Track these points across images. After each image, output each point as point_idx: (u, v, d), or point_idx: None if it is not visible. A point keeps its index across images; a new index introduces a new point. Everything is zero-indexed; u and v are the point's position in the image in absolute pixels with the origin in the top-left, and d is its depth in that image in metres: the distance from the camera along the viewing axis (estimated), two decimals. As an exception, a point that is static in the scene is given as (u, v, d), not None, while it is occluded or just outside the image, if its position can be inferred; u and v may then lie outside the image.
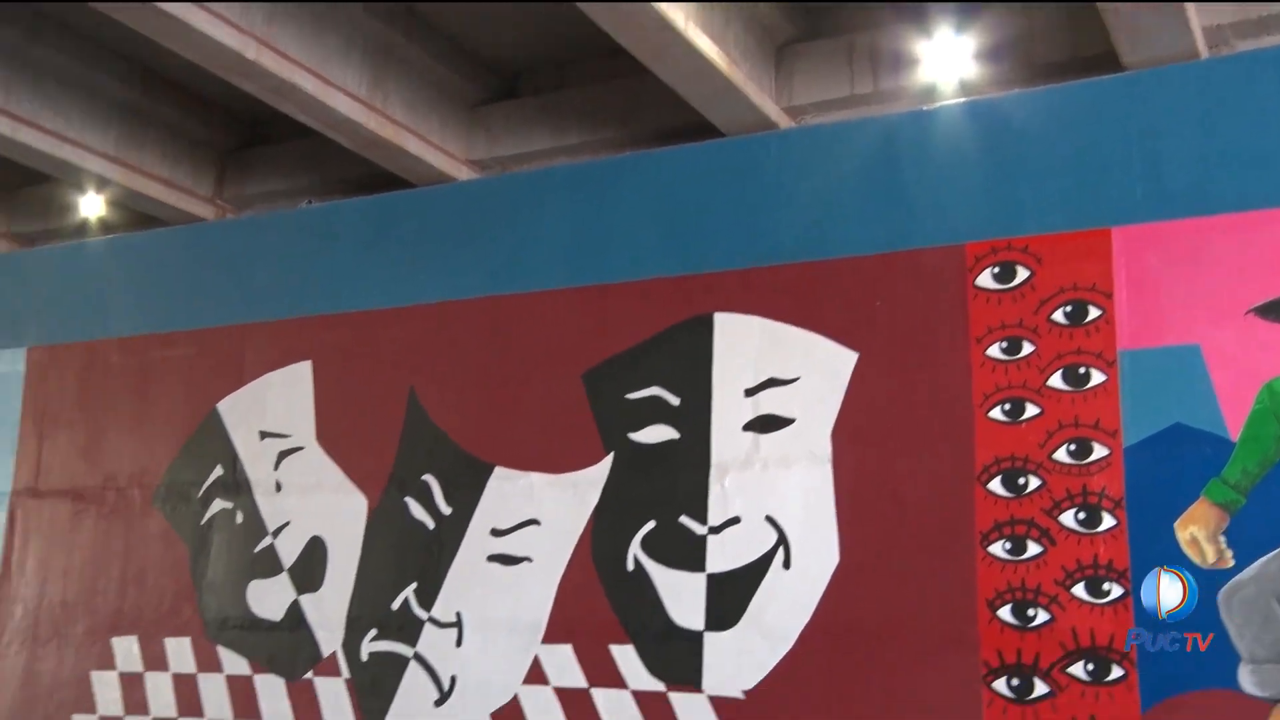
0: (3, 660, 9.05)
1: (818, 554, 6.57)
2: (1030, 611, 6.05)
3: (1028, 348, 6.33)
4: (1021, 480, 6.21)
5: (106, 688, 8.61)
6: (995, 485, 6.28)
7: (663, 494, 7.10)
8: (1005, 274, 6.46)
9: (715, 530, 6.88)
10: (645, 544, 7.08)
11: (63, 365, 9.51)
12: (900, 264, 6.79)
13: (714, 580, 6.82)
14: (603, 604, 7.12)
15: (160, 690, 8.45)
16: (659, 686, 6.85)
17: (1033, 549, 6.13)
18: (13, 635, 9.07)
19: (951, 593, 6.22)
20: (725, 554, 6.82)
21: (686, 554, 6.93)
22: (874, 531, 6.49)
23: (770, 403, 6.92)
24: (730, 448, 6.95)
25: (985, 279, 6.51)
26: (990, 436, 6.36)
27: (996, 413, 6.35)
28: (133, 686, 8.54)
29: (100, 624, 8.81)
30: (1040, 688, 5.93)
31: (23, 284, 9.98)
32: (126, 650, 8.64)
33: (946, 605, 6.22)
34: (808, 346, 6.89)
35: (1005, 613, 6.11)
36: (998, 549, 6.20)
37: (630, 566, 7.08)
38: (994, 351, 6.42)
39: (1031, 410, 6.28)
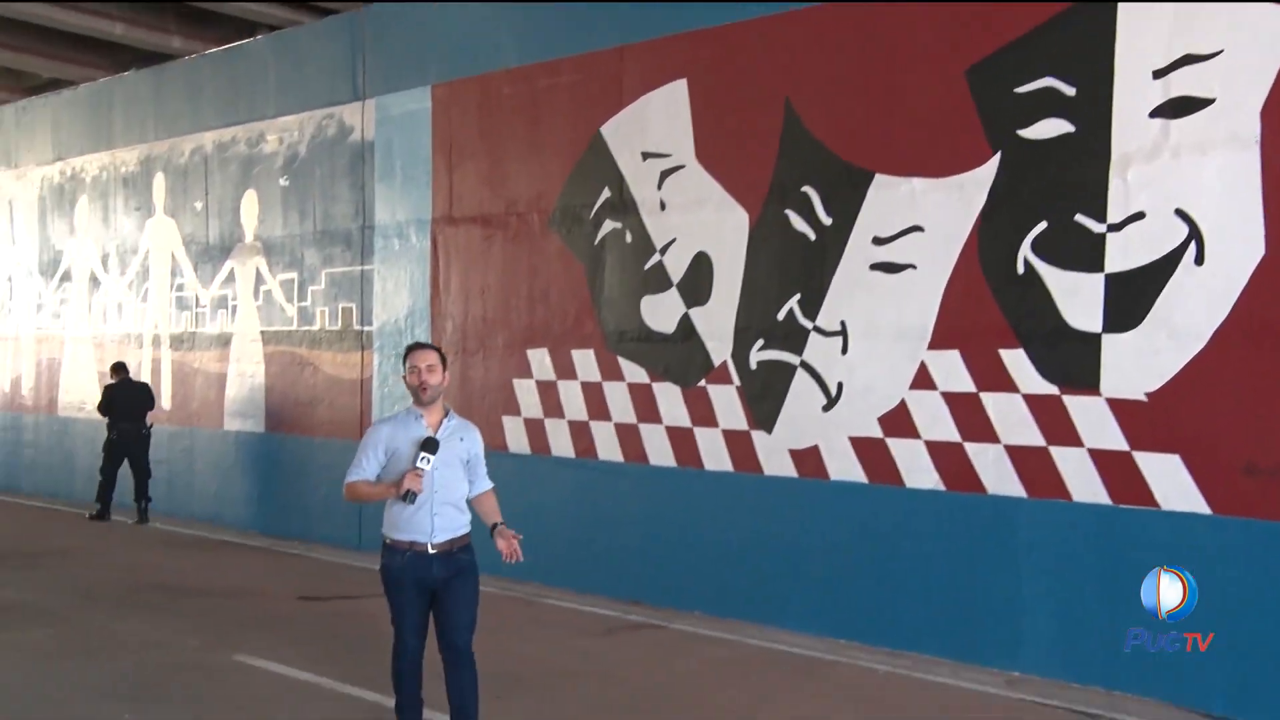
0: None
1: (1237, 247, 5.97)
2: None
3: None
4: None
5: (527, 393, 9.61)
6: None
7: (1056, 192, 6.67)
8: None
9: (1116, 227, 6.41)
10: (1036, 245, 6.74)
11: (463, 100, 10.20)
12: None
13: (1114, 280, 6.41)
14: (991, 308, 6.93)
15: (572, 396, 9.32)
16: (1052, 390, 6.66)
17: None
18: (447, 347, 10.24)
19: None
20: (1127, 252, 6.36)
21: (1083, 254, 6.53)
22: (1309, 219, 5.78)
23: (1184, 83, 6.19)
24: (1135, 137, 6.35)
25: None
26: None
27: None
28: (548, 393, 9.47)
29: (516, 338, 9.75)
30: None
31: (423, 27, 10.66)
32: (540, 361, 9.54)
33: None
34: (1234, 13, 6.04)
35: None
36: None
37: (1020, 269, 6.80)
38: None
39: None
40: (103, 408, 12.67)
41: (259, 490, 12.10)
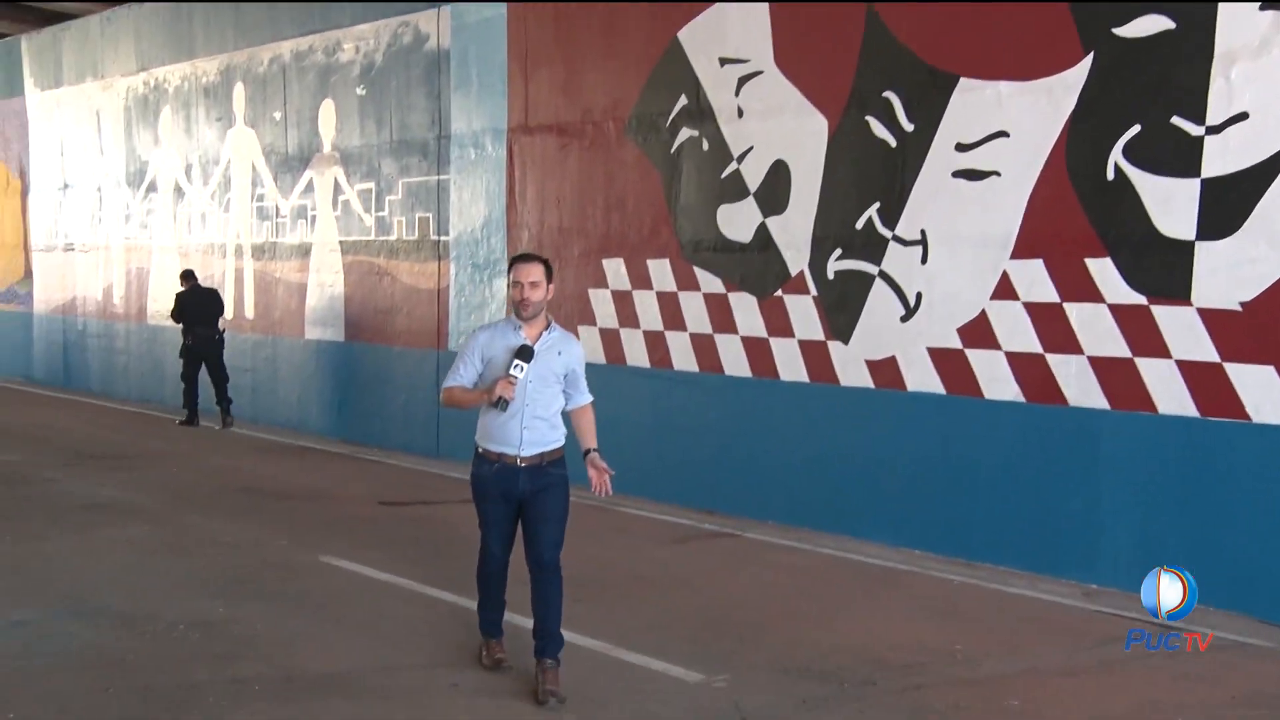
0: (516, 279, 10.33)
1: (1348, 149, 5.70)
2: None
3: None
4: None
5: (602, 304, 9.61)
6: None
7: (1151, 94, 6.40)
8: None
9: (1215, 130, 6.14)
10: (1128, 150, 6.49)
11: (539, 6, 10.05)
12: None
13: (1210, 185, 6.16)
14: (1078, 216, 6.72)
15: (647, 306, 9.30)
16: (1140, 299, 6.47)
17: None
18: (522, 257, 10.27)
19: None
20: (1226, 155, 6.10)
21: (1178, 158, 6.28)
22: None
23: (1296, -26, 5.87)
24: (1241, 32, 6.03)
25: None
26: None
27: None
28: (624, 303, 9.46)
29: (592, 247, 9.72)
30: None
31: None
32: (615, 271, 9.52)
33: None
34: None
35: None
36: None
37: (1110, 175, 6.57)
38: None
39: None
40: (174, 314, 13.06)
41: (339, 398, 12.35)
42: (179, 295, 13.11)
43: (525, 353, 4.77)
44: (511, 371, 4.72)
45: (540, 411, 4.86)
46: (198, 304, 12.99)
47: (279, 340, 13.12)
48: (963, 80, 7.27)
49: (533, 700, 4.72)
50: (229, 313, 13.67)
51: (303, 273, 12.74)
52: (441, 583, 6.53)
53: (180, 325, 13.05)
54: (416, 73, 11.24)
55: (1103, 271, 6.64)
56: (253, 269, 13.50)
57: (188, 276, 13.20)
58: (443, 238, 11.05)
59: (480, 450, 4.94)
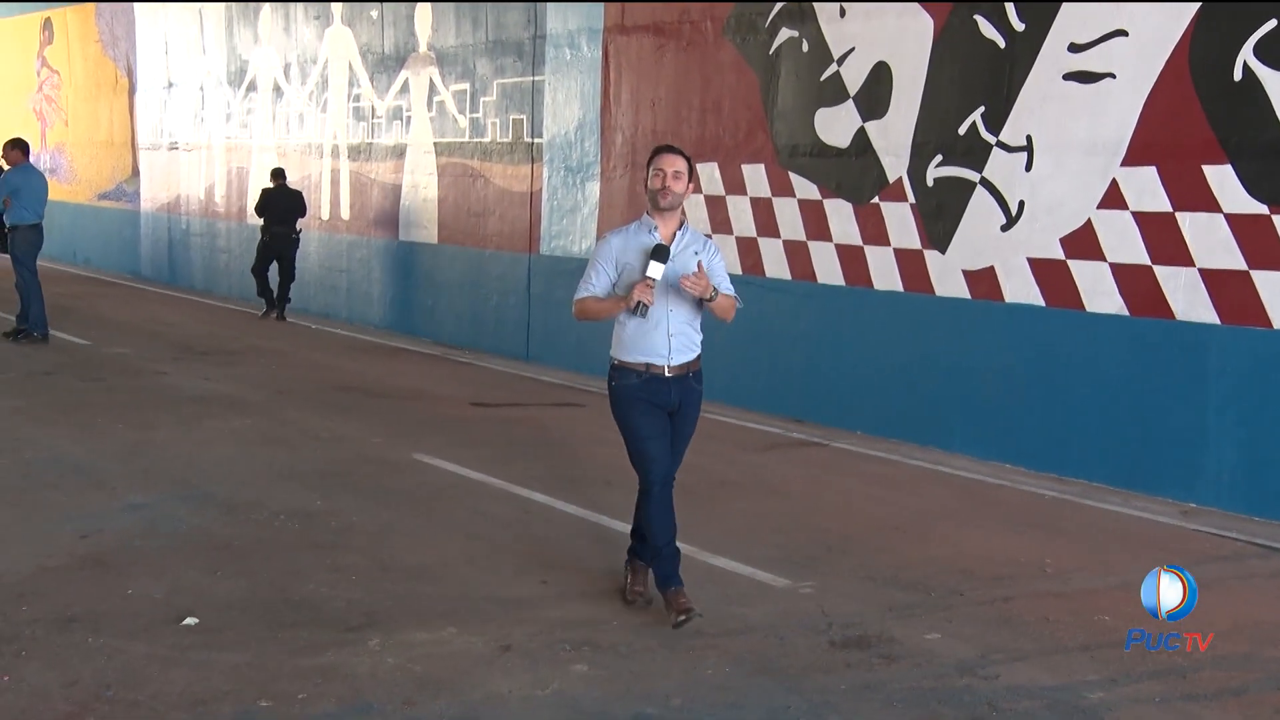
0: (611, 181, 10.27)
1: None
2: None
3: None
4: None
5: (695, 209, 9.49)
6: None
7: (1286, -11, 6.03)
8: None
9: (1353, 28, 5.77)
10: (1260, 49, 6.13)
11: (636, -100, 9.82)
12: None
13: (1345, 88, 5.82)
14: (1199, 121, 6.40)
15: (741, 212, 9.18)
16: (1261, 209, 6.17)
17: None
18: (617, 160, 10.19)
19: None
20: (1364, 56, 5.74)
21: (1311, 58, 5.92)
22: None
23: None
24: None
25: None
26: None
27: None
28: (717, 208, 9.34)
29: (686, 150, 9.55)
30: None
31: None
32: (710, 175, 9.37)
33: None
34: None
35: None
36: None
37: (1238, 76, 6.22)
38: None
39: None
40: (258, 209, 13.44)
41: (431, 300, 12.51)
42: (264, 191, 13.48)
43: (661, 252, 4.37)
44: (649, 274, 4.34)
45: (686, 316, 4.55)
46: (280, 202, 13.32)
47: (373, 241, 13.29)
48: (1080, -24, 6.93)
49: (620, 599, 4.78)
50: (325, 213, 13.88)
51: (397, 174, 12.82)
52: (532, 483, 6.64)
53: (261, 220, 13.37)
54: (512, -30, 11.09)
55: (1222, 179, 6.34)
56: (348, 170, 13.64)
57: (277, 175, 13.48)
58: (536, 140, 11.00)
59: (619, 362, 4.58)
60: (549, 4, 10.69)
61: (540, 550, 5.47)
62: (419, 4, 12.30)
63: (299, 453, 7.28)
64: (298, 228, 13.45)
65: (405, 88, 12.61)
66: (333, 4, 13.62)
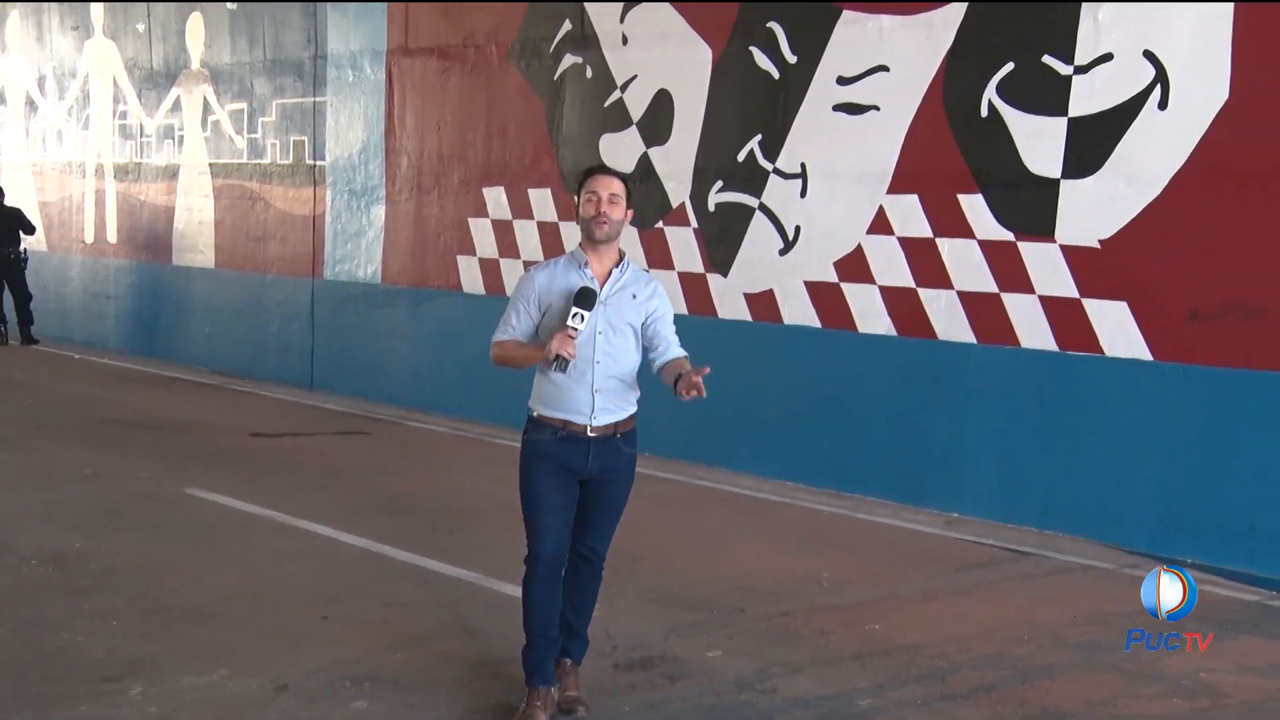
0: (397, 205, 10.09)
1: (1202, 90, 5.86)
2: None
3: None
4: None
5: (482, 233, 9.46)
6: None
7: (1025, 32, 6.50)
8: None
9: (1082, 70, 6.27)
10: (1002, 88, 6.60)
11: (417, -79, 9.74)
12: None
13: (1076, 124, 6.31)
14: (953, 153, 6.82)
15: (528, 236, 9.18)
16: (1008, 236, 6.63)
17: None
18: (403, 183, 10.03)
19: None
20: (1092, 95, 6.24)
21: (1047, 97, 6.40)
22: (1277, 62, 5.68)
23: (1162, -82, 5.99)
24: (1108, -27, 6.17)
25: None
26: None
27: None
28: (504, 232, 9.32)
29: (472, 175, 9.53)
30: None
31: None
32: (496, 199, 9.36)
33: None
34: None
35: None
36: None
37: (984, 112, 6.67)
38: None
39: None
40: None
41: (209, 327, 11.97)
42: None
43: (586, 298, 3.74)
44: (570, 323, 3.70)
45: (614, 369, 3.87)
46: None
47: (143, 265, 12.62)
48: (845, 12, 7.28)
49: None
50: (89, 236, 13.11)
51: (170, 196, 12.23)
52: (313, 514, 6.42)
53: None
54: (290, -12, 10.79)
55: (974, 207, 6.77)
56: (115, 190, 12.91)
57: None
58: (319, 162, 10.70)
59: (535, 415, 3.91)
60: (330, 24, 10.45)
61: (321, 584, 5.29)
62: (190, 18, 11.79)
63: (58, 491, 6.81)
64: (22, 247, 12.77)
65: (177, 105, 12.06)
66: (94, 15, 12.88)
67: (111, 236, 12.96)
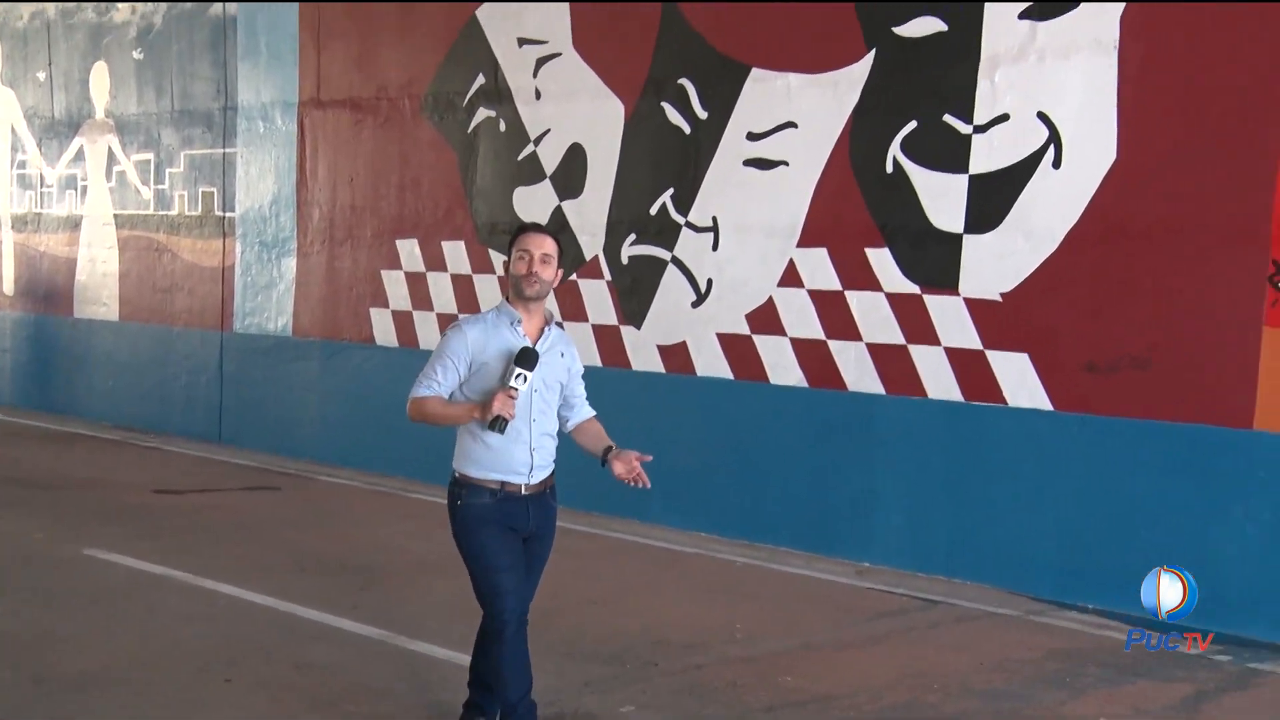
0: (309, 257, 9.98)
1: (1092, 151, 6.10)
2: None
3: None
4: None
5: (396, 285, 9.39)
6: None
7: (926, 92, 6.70)
8: None
9: (981, 129, 6.48)
10: (906, 145, 6.79)
11: (330, -26, 9.73)
12: None
13: (976, 181, 6.51)
14: (860, 207, 6.98)
15: (442, 289, 9.14)
16: (914, 289, 6.78)
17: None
18: (315, 235, 9.93)
19: (1245, 186, 5.69)
20: (990, 154, 6.45)
21: (949, 154, 6.60)
22: (1160, 126, 5.94)
23: (1053, -15, 6.26)
24: (1004, 38, 6.38)
25: None
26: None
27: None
28: (417, 285, 9.27)
29: (385, 227, 9.48)
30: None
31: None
32: (409, 252, 9.31)
33: (1237, 201, 5.72)
34: (1104, -83, 6.08)
35: (1306, 215, 5.58)
36: (1307, 147, 5.57)
37: (889, 169, 6.85)
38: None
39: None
40: None
41: (112, 380, 11.66)
42: None
43: (528, 358, 3.73)
44: (513, 383, 3.70)
45: (548, 426, 3.95)
46: None
47: (43, 318, 12.28)
48: (755, 70, 7.44)
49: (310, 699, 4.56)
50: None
51: (72, 246, 11.94)
52: (219, 573, 6.25)
53: None
54: (200, 38, 10.68)
55: (881, 261, 6.92)
56: (12, 241, 12.57)
57: None
58: (228, 214, 10.56)
59: (471, 478, 3.89)
60: (240, 75, 10.37)
61: (225, 646, 5.13)
62: (95, 67, 11.60)
63: (-55, 554, 6.55)
64: None
65: (80, 155, 11.81)
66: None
67: (8, 288, 12.59)
